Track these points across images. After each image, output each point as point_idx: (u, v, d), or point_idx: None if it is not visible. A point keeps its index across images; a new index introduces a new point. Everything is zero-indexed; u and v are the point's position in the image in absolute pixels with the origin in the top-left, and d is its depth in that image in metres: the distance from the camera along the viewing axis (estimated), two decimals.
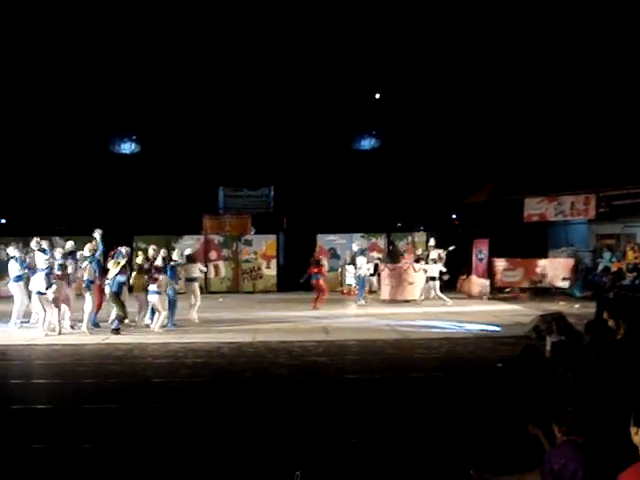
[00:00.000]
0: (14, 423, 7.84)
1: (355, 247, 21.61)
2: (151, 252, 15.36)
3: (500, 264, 22.98)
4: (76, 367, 10.89)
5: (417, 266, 20.35)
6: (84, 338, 13.70)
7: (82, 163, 27.28)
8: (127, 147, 29.61)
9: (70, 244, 15.56)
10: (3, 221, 27.02)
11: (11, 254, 15.34)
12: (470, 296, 21.54)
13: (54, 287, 13.88)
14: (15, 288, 15.24)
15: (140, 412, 8.24)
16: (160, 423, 7.75)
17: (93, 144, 28.02)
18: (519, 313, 17.05)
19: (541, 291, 22.08)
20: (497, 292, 21.94)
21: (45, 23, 24.04)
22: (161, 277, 14.52)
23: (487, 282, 22.03)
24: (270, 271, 24.65)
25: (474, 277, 22.44)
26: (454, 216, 30.40)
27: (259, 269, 24.55)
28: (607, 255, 22.11)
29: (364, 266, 20.21)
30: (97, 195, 27.13)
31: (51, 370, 10.82)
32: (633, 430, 3.57)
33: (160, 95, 27.01)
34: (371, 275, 21.32)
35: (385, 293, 20.61)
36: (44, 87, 25.78)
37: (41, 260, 14.39)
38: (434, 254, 20.38)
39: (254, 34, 25.41)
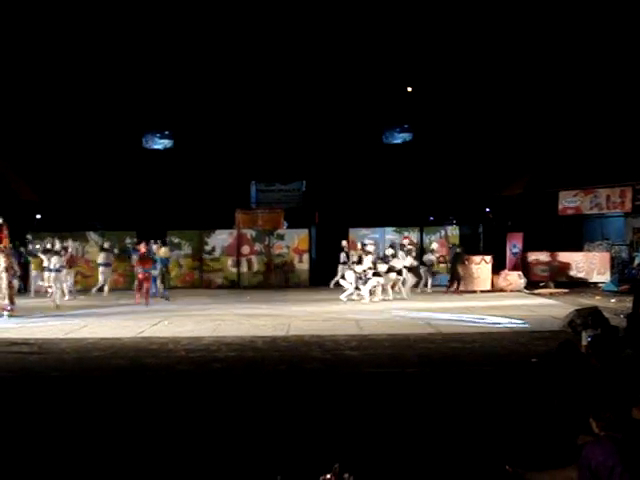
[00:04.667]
0: (56, 415, 7.96)
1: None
2: None
3: (535, 258, 22.75)
4: (112, 360, 11.02)
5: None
6: (120, 332, 13.89)
7: (116, 159, 27.63)
8: (160, 143, 29.91)
9: None
10: (38, 216, 27.42)
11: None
12: (504, 290, 21.32)
13: None
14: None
15: (178, 405, 8.31)
16: (198, 415, 7.80)
17: (126, 140, 28.38)
18: (554, 307, 16.86)
19: (577, 285, 21.83)
20: (532, 286, 21.71)
21: (76, 21, 24.33)
22: None
23: (522, 276, 21.83)
24: (302, 265, 24.62)
25: (508, 271, 22.21)
26: (487, 209, 30.15)
27: (291, 263, 24.58)
28: None
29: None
30: (131, 190, 27.43)
31: (88, 364, 10.91)
32: None
33: (193, 91, 27.24)
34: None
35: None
36: (78, 84, 26.13)
37: None
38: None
39: (286, 30, 25.46)
